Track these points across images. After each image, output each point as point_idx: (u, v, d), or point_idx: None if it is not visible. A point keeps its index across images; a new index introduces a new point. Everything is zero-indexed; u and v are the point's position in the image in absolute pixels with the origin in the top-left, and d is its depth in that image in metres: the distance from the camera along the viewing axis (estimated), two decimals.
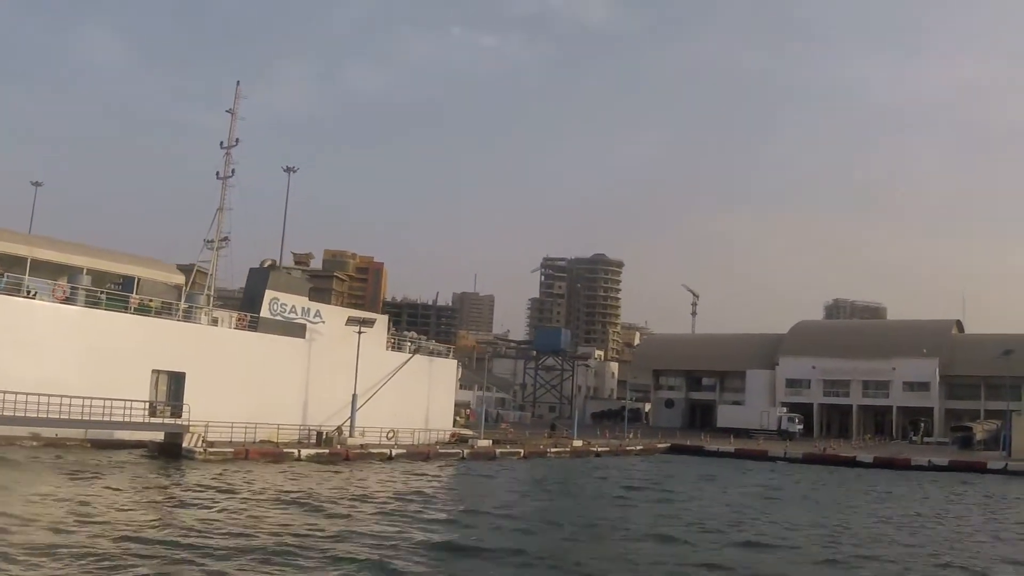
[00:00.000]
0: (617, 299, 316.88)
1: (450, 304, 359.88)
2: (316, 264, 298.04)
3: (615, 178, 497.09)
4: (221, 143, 73.75)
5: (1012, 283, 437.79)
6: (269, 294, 70.21)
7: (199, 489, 43.18)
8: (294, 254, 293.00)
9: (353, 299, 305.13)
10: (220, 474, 49.72)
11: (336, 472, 56.61)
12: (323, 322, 73.35)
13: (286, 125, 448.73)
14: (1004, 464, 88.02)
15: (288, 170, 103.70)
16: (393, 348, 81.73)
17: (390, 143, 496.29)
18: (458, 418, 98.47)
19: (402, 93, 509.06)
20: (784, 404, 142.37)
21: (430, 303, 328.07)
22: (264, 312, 69.56)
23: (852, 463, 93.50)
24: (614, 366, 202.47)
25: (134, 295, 63.41)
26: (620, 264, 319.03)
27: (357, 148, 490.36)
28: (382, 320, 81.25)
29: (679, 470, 78.29)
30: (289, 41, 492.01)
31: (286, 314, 71.03)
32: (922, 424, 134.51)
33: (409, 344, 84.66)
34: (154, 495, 41.21)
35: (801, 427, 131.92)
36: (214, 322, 68.47)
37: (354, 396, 69.48)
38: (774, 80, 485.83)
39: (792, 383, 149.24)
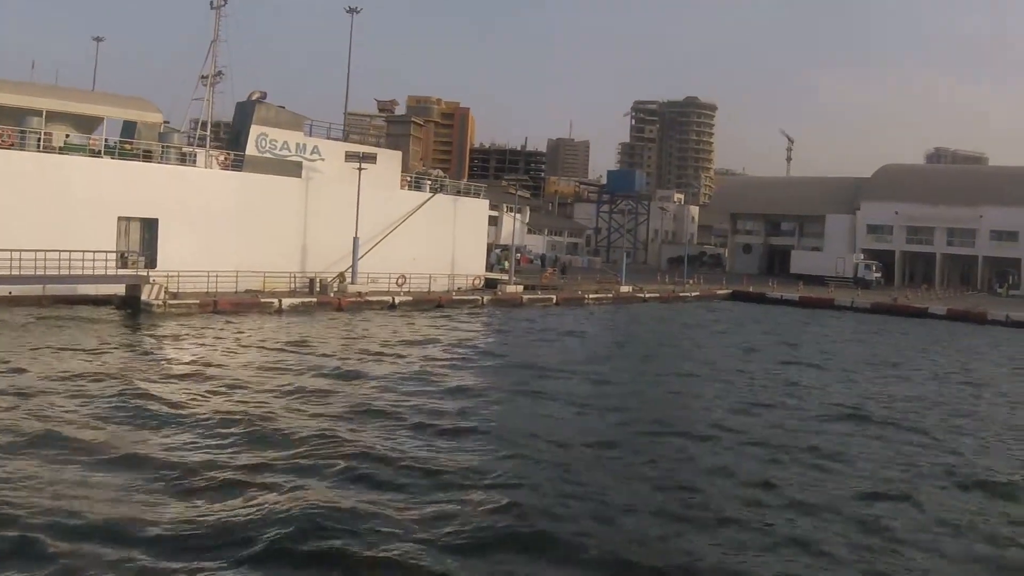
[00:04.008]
0: (710, 143, 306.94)
1: (543, 151, 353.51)
2: (400, 111, 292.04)
3: (715, 22, 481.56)
4: None
5: None
6: (256, 129, 63.47)
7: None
8: (378, 101, 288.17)
9: (439, 146, 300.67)
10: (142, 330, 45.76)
11: (303, 324, 52.21)
12: (322, 159, 66.89)
13: None
14: None
15: (351, 11, 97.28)
16: (411, 187, 75.81)
17: None
18: (505, 263, 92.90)
19: None
20: (864, 251, 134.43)
21: (520, 149, 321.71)
22: (250, 150, 63.22)
23: (924, 315, 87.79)
24: (694, 210, 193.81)
25: (103, 138, 58.19)
26: (713, 107, 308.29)
27: None
28: (394, 156, 74.57)
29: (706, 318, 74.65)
30: None
31: (277, 151, 64.64)
32: (1010, 275, 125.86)
33: (430, 183, 78.71)
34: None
35: (879, 275, 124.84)
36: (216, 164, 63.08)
37: (355, 239, 64.35)
38: None
39: (873, 229, 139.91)
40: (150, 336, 43.72)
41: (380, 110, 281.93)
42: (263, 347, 41.76)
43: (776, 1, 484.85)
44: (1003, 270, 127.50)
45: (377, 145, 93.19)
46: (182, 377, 32.93)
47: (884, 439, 29.45)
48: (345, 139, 74.78)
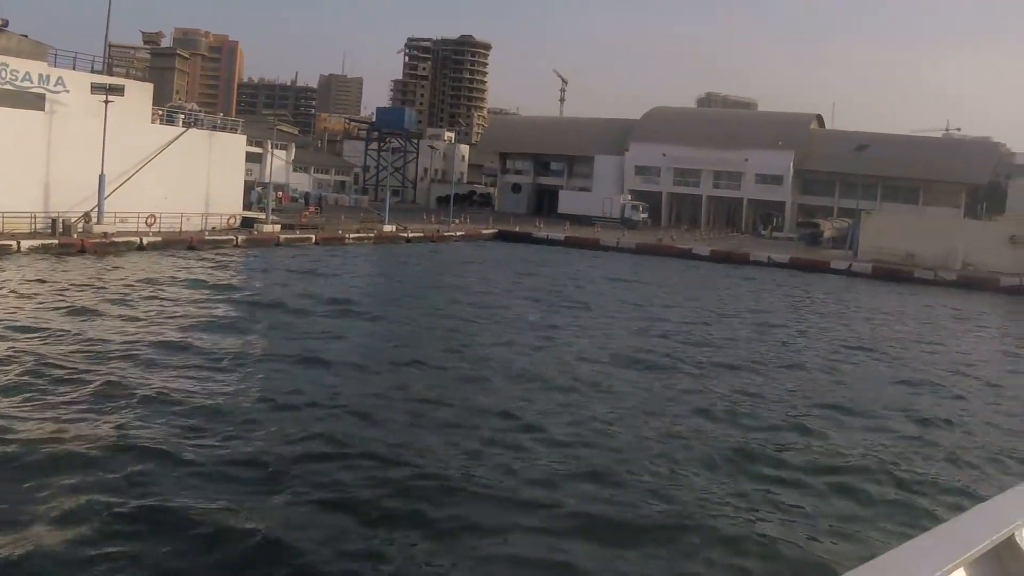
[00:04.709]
0: (484, 82, 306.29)
1: (314, 87, 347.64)
2: (167, 44, 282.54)
3: None
4: None
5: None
6: None
7: None
8: (143, 33, 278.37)
9: (206, 80, 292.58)
10: None
11: (42, 267, 48.98)
12: (67, 91, 62.93)
13: None
14: (848, 264, 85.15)
15: None
16: (164, 122, 72.40)
17: None
18: (265, 201, 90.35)
19: None
20: (632, 192, 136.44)
21: (289, 84, 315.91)
22: None
23: (688, 255, 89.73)
24: (465, 149, 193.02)
25: None
26: (488, 46, 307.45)
27: None
28: (145, 88, 70.75)
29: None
30: None
31: (18, 82, 60.37)
32: (773, 218, 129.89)
33: (183, 118, 75.42)
34: None
35: (646, 216, 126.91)
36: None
37: (101, 176, 60.85)
38: None
39: (642, 170, 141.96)
40: None
41: (145, 42, 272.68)
42: None
43: None
44: (767, 213, 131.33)
45: (139, 79, 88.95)
46: None
47: (643, 374, 30.07)
48: (107, 72, 70.93)
